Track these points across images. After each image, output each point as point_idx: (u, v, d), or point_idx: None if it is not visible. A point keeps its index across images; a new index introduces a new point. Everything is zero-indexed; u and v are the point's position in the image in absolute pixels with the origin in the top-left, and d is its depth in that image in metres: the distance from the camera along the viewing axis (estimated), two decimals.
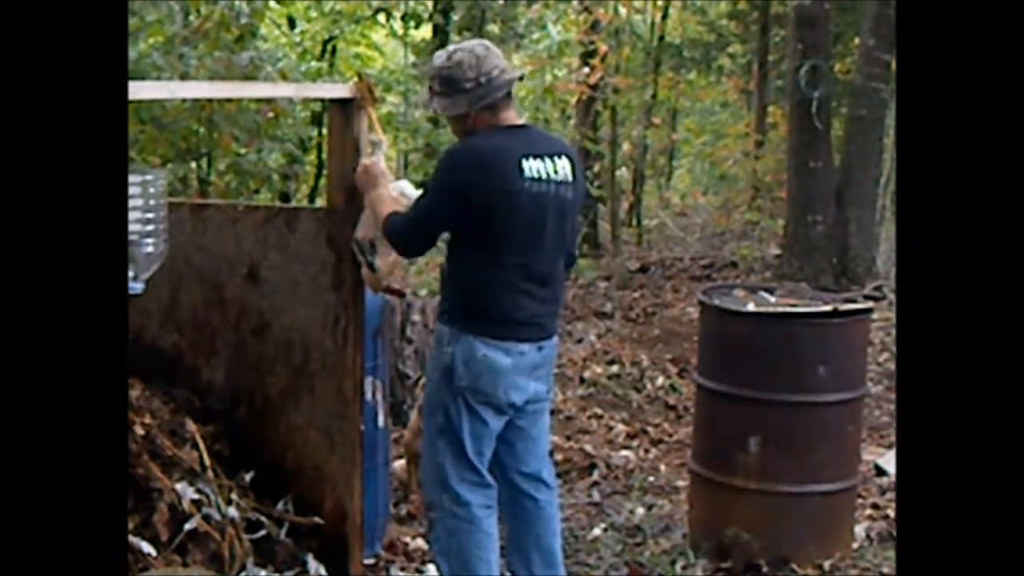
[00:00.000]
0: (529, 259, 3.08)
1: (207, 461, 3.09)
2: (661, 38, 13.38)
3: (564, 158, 3.14)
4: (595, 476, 4.87)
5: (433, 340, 3.21)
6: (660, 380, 6.47)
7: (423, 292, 7.46)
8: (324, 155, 8.44)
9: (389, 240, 3.08)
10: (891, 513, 4.24)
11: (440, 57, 3.12)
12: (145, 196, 2.57)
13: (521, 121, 3.20)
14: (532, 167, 3.03)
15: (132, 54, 6.26)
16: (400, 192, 3.19)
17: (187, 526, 2.87)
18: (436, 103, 3.11)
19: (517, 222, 3.02)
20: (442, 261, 3.27)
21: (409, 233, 3.05)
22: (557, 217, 3.11)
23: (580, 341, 7.44)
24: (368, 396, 3.56)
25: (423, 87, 3.28)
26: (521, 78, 3.17)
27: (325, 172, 7.39)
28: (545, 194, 3.06)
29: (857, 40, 10.02)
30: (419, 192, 3.15)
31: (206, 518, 2.93)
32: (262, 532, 3.11)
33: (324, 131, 8.19)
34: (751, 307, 3.92)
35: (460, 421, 3.09)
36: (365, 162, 3.18)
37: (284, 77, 6.83)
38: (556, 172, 3.09)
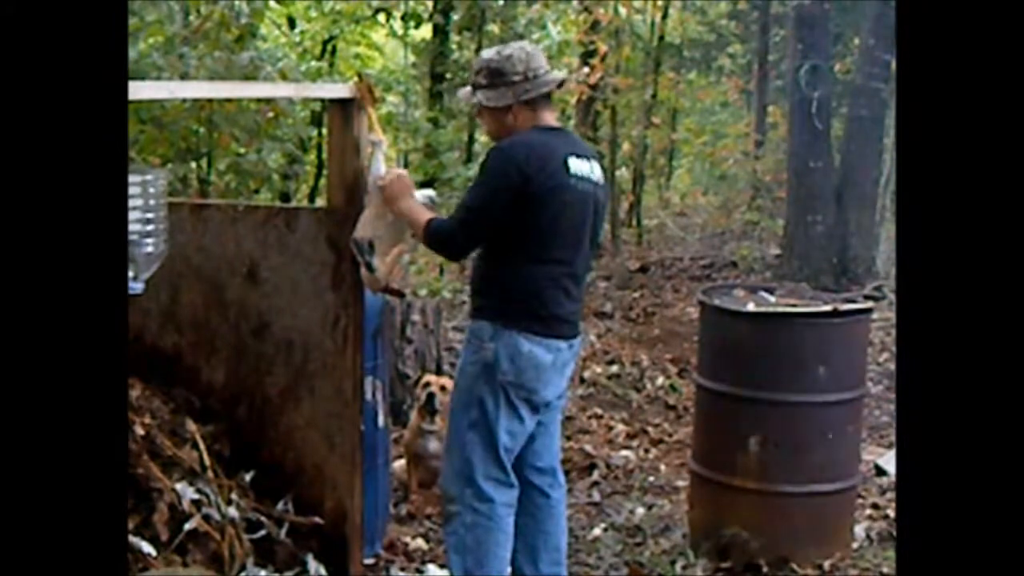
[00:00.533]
0: (570, 257, 3.14)
1: (207, 461, 3.09)
2: (661, 38, 13.37)
3: (596, 161, 3.24)
4: (595, 476, 4.87)
5: (467, 337, 3.22)
6: (660, 380, 6.47)
7: (423, 292, 7.46)
8: (324, 155, 8.44)
9: (433, 246, 3.15)
10: (891, 513, 4.24)
11: (489, 52, 3.22)
12: (145, 196, 2.57)
13: (558, 124, 3.28)
14: (576, 166, 3.11)
15: (132, 54, 6.26)
16: (428, 199, 3.22)
17: (187, 526, 2.87)
18: (481, 95, 3.17)
19: (564, 218, 3.08)
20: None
21: (461, 235, 3.08)
22: (593, 217, 3.20)
23: None
24: (368, 396, 3.56)
25: (466, 83, 3.29)
26: (563, 82, 3.27)
27: (325, 172, 7.39)
28: (589, 193, 3.15)
29: (857, 40, 10.02)
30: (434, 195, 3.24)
31: (206, 518, 2.93)
32: (262, 532, 3.11)
33: (324, 131, 8.19)
34: (751, 307, 3.92)
35: (497, 416, 3.11)
36: (398, 171, 3.21)
37: (284, 77, 6.83)
38: (594, 173, 3.19)
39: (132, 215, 2.50)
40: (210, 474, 3.07)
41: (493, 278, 3.15)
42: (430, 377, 4.58)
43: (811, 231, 9.06)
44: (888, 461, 4.79)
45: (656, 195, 16.42)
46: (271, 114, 7.27)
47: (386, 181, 3.15)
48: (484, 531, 3.15)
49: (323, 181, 8.62)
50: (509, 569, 3.24)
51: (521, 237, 3.07)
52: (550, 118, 3.22)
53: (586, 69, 10.78)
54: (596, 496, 4.65)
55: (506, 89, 3.13)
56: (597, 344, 7.31)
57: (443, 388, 4.38)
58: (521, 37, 12.44)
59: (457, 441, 3.18)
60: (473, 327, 3.18)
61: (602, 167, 3.28)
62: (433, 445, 4.38)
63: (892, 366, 6.51)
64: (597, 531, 4.22)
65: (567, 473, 4.88)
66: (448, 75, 10.80)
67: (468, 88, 3.24)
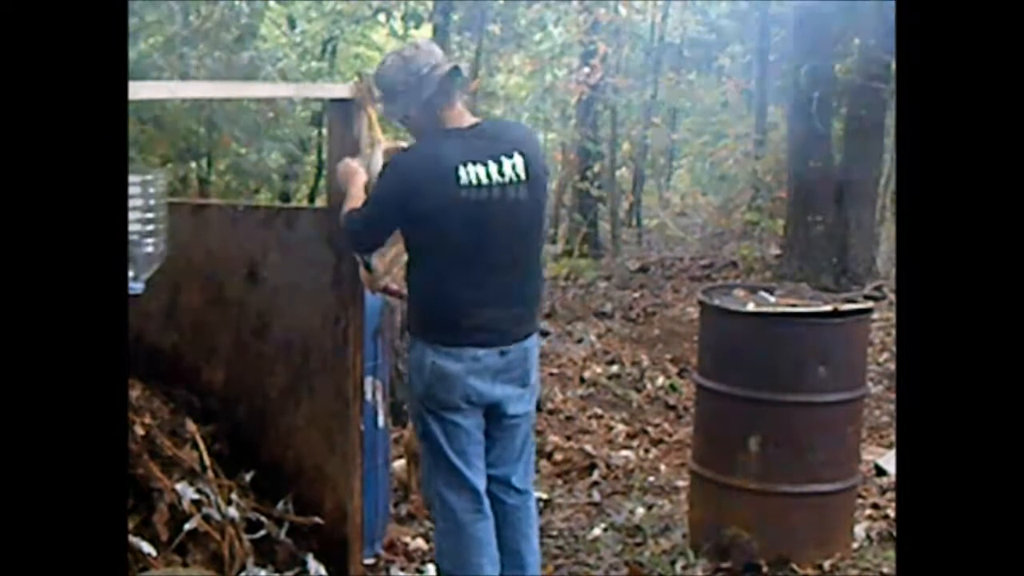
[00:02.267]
0: (476, 266, 3.03)
1: (207, 461, 3.09)
2: (661, 38, 13.38)
3: (516, 155, 3.04)
4: (595, 476, 4.87)
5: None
6: (660, 380, 6.47)
7: None
8: (324, 155, 8.44)
9: (345, 231, 3.12)
10: (891, 513, 4.24)
11: (380, 63, 3.17)
12: (145, 196, 2.57)
13: (469, 121, 3.11)
14: (470, 173, 2.97)
15: (132, 54, 6.27)
16: None
17: (187, 526, 2.87)
18: (384, 110, 3.16)
19: (456, 232, 2.98)
20: None
21: (359, 227, 3.08)
22: (508, 219, 3.04)
23: (580, 341, 7.44)
24: (368, 396, 3.56)
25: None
26: (455, 68, 3.08)
27: (325, 172, 7.39)
28: (487, 200, 2.99)
29: (857, 40, 10.02)
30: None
31: (206, 518, 2.93)
32: (262, 532, 3.12)
33: (324, 131, 8.19)
34: (751, 307, 3.92)
35: (431, 426, 3.11)
36: (341, 163, 3.19)
37: (284, 77, 6.83)
38: (502, 174, 3.01)
39: (132, 215, 2.50)
40: (210, 474, 3.07)
41: (409, 290, 3.14)
42: None
43: (811, 231, 9.06)
44: (888, 461, 4.79)
45: (656, 195, 16.42)
46: (271, 114, 7.28)
47: (345, 167, 3.16)
48: (454, 537, 3.17)
49: (323, 181, 8.62)
50: (494, 569, 3.21)
51: (417, 252, 3.06)
52: (455, 116, 3.07)
53: (586, 69, 10.78)
54: (596, 496, 4.65)
55: (398, 99, 3.06)
56: (597, 344, 7.32)
57: None
58: (521, 37, 12.47)
59: (422, 453, 3.24)
60: (410, 345, 3.19)
61: (526, 156, 3.05)
62: None
63: (892, 366, 6.51)
64: (597, 531, 4.22)
65: (567, 473, 4.90)
66: None
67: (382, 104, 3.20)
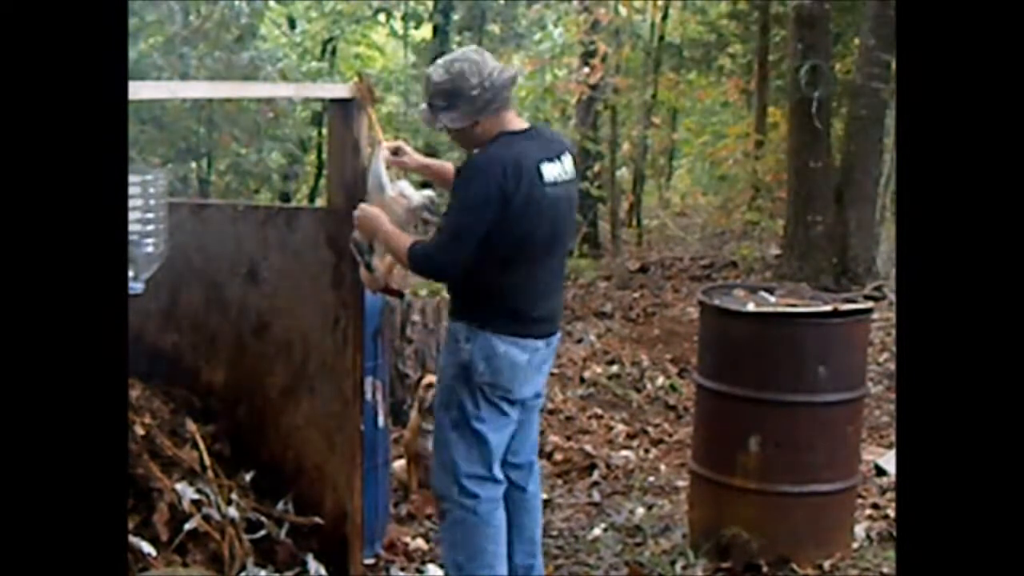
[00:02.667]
0: (546, 259, 3.15)
1: (207, 461, 3.09)
2: (661, 38, 13.37)
3: (567, 155, 3.17)
4: (595, 476, 4.87)
5: (446, 337, 3.24)
6: (660, 380, 6.46)
7: (423, 292, 7.46)
8: (324, 155, 8.44)
9: (419, 271, 3.13)
10: (891, 513, 4.24)
11: (438, 71, 3.07)
12: (145, 196, 2.57)
13: (525, 124, 3.17)
14: (550, 172, 3.07)
15: (132, 54, 6.27)
16: (400, 192, 3.19)
17: (187, 526, 2.87)
18: (444, 118, 3.06)
19: (540, 227, 3.07)
20: None
21: (443, 260, 3.04)
22: (568, 214, 3.21)
23: (580, 341, 7.43)
24: (368, 396, 3.56)
25: (422, 105, 3.20)
26: (515, 74, 3.13)
27: (325, 172, 7.39)
28: (563, 197, 3.12)
29: (857, 40, 10.01)
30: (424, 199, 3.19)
31: (206, 518, 2.93)
32: (262, 532, 3.12)
33: (324, 131, 8.19)
34: (751, 307, 3.91)
35: (478, 415, 3.13)
36: (357, 211, 3.15)
37: (284, 77, 6.84)
38: (565, 172, 3.14)
39: (132, 215, 2.50)
40: (210, 474, 3.07)
41: (469, 280, 3.10)
42: (431, 377, 4.57)
43: (811, 231, 9.06)
44: (888, 461, 4.79)
45: (656, 195, 16.42)
46: (271, 114, 7.28)
47: (356, 219, 3.14)
48: (472, 527, 3.18)
49: (323, 181, 8.62)
50: (504, 563, 3.25)
51: (497, 246, 3.03)
52: (515, 120, 3.13)
53: (586, 69, 10.78)
54: (596, 496, 4.65)
55: (467, 106, 3.02)
56: (597, 344, 7.31)
57: None
58: (521, 37, 12.48)
59: (441, 441, 3.20)
60: (451, 327, 3.19)
61: (572, 155, 3.19)
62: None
63: (892, 366, 6.51)
64: (597, 531, 4.22)
65: (567, 473, 4.90)
66: None
67: (425, 107, 3.13)
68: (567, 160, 3.15)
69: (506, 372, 3.11)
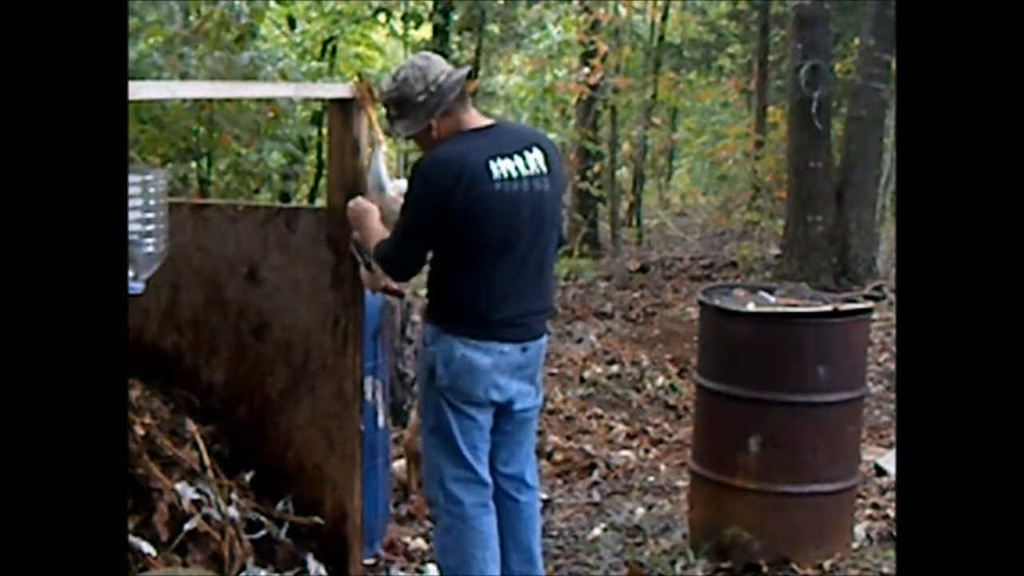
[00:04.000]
0: (507, 260, 3.05)
1: (207, 461, 3.09)
2: (661, 38, 13.38)
3: (536, 150, 3.09)
4: (595, 476, 4.87)
5: (419, 339, 3.23)
6: (660, 380, 6.47)
7: (423, 292, 7.46)
8: (324, 155, 8.43)
9: (382, 268, 3.10)
10: (891, 513, 4.24)
11: (386, 83, 3.10)
12: (145, 196, 2.57)
13: (486, 121, 3.15)
14: (501, 167, 3.00)
15: (132, 54, 6.27)
16: (400, 192, 3.19)
17: (187, 526, 2.87)
18: (398, 127, 3.09)
19: (491, 225, 3.00)
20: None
21: (396, 259, 3.06)
22: (534, 212, 3.07)
23: (580, 341, 7.44)
24: (368, 396, 3.56)
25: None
26: (470, 74, 3.13)
27: (325, 172, 7.38)
28: (518, 193, 3.02)
29: (857, 40, 10.02)
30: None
31: (206, 518, 2.93)
32: (262, 532, 3.12)
33: (324, 131, 8.19)
34: (751, 307, 3.91)
35: (448, 419, 3.10)
36: (350, 204, 3.17)
37: (284, 77, 6.83)
38: (528, 167, 3.05)
39: (132, 215, 2.50)
40: (210, 474, 3.07)
41: (433, 282, 3.12)
42: None
43: (811, 231, 9.06)
44: (888, 461, 4.79)
45: (656, 195, 16.43)
46: (271, 114, 7.28)
47: (351, 208, 3.15)
48: (459, 532, 3.16)
49: (323, 181, 8.62)
50: (497, 567, 3.22)
51: (450, 247, 3.03)
52: (472, 118, 3.10)
53: (586, 69, 10.79)
54: (596, 496, 4.65)
55: (417, 111, 3.03)
56: (597, 344, 7.31)
57: None
58: (521, 37, 12.48)
59: (426, 445, 3.19)
60: (422, 330, 3.19)
61: (546, 150, 3.12)
62: None
63: (892, 366, 6.51)
64: (597, 531, 4.22)
65: (567, 473, 4.90)
66: None
67: (387, 124, 3.16)
68: (534, 155, 3.07)
69: (464, 376, 3.05)
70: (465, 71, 3.10)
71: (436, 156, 3.02)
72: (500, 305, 3.06)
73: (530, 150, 3.07)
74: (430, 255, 3.11)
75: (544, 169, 3.08)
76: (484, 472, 3.17)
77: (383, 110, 3.15)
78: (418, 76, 3.03)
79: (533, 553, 3.35)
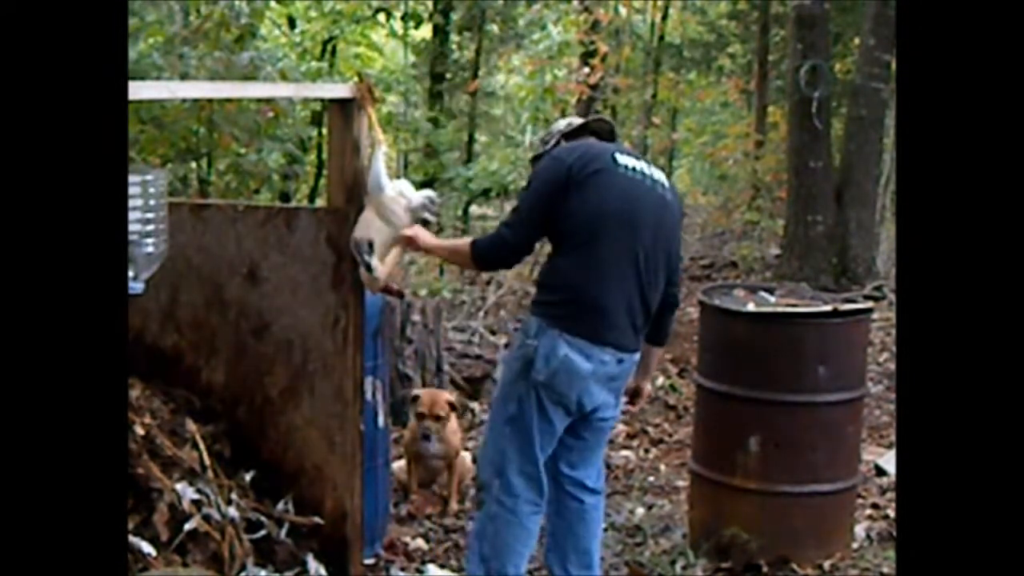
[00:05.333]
0: (623, 259, 3.09)
1: (207, 461, 3.09)
2: (661, 38, 13.39)
3: (656, 169, 3.28)
4: None
5: (520, 329, 3.27)
6: (660, 380, 6.47)
7: (423, 292, 7.46)
8: (324, 155, 8.43)
9: (486, 258, 3.20)
10: (891, 513, 4.24)
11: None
12: (145, 196, 2.57)
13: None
14: (626, 161, 3.17)
15: (132, 54, 6.27)
16: (399, 192, 3.19)
17: (187, 526, 2.87)
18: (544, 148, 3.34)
19: (609, 202, 3.08)
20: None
21: (510, 235, 3.12)
22: (656, 213, 3.17)
23: None
24: (368, 396, 3.56)
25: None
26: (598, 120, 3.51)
27: (325, 172, 7.39)
28: (640, 182, 3.16)
29: (857, 40, 10.02)
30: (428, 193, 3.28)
31: (206, 518, 2.92)
32: (262, 532, 3.11)
33: (324, 131, 8.19)
34: (751, 307, 3.92)
35: (532, 415, 3.11)
36: (415, 229, 3.22)
37: (284, 77, 6.83)
38: (652, 174, 3.22)
39: (132, 215, 2.50)
40: (210, 474, 3.07)
41: (549, 276, 3.17)
42: (424, 401, 4.46)
43: (811, 231, 9.06)
44: (888, 461, 4.79)
45: None
46: (271, 114, 7.27)
47: (411, 236, 3.21)
48: (504, 524, 3.19)
49: (323, 181, 8.62)
50: (524, 566, 3.25)
51: (567, 225, 3.08)
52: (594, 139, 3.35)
53: (586, 69, 10.79)
54: None
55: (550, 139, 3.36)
56: None
57: (438, 417, 4.32)
58: (521, 37, 12.48)
59: (496, 432, 3.21)
60: (525, 321, 3.23)
61: (670, 182, 3.33)
62: (433, 445, 4.38)
63: (892, 366, 6.51)
64: None
65: None
66: (448, 75, 10.80)
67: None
68: (659, 172, 3.27)
69: (561, 376, 3.07)
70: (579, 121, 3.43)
71: (566, 147, 3.26)
72: (611, 311, 3.09)
73: (652, 167, 3.26)
74: (548, 248, 3.20)
75: (667, 185, 3.27)
76: (544, 474, 3.20)
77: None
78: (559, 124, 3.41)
79: (592, 557, 3.38)
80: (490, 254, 3.16)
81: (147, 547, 2.74)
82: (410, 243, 3.24)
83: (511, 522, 3.18)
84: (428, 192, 3.29)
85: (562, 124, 3.43)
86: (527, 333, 3.13)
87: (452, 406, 4.41)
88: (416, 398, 4.45)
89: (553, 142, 3.34)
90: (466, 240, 3.24)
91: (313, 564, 3.19)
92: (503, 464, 3.16)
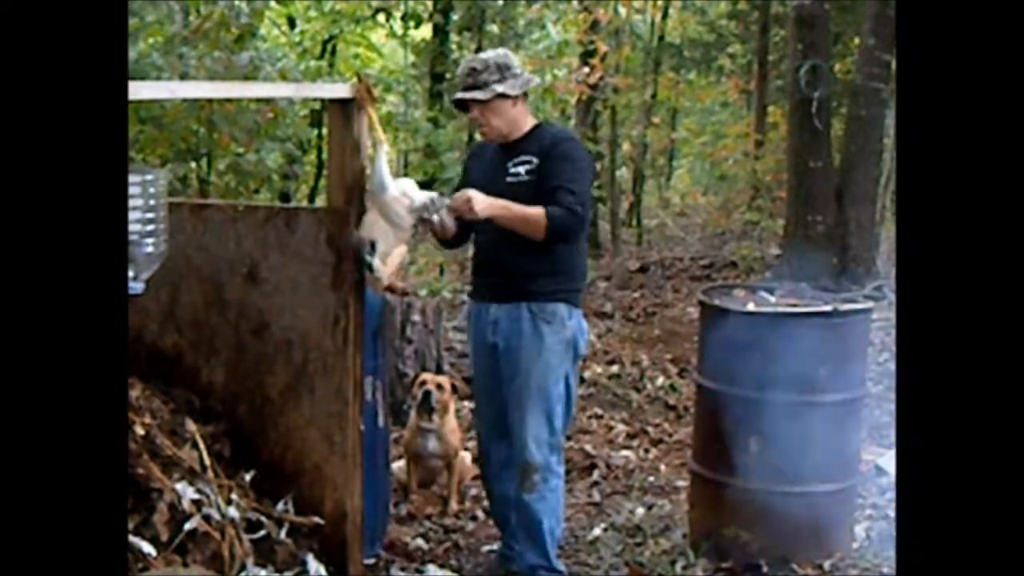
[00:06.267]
0: None
1: (207, 461, 3.09)
2: (661, 38, 13.39)
3: None
4: (595, 476, 4.87)
5: (546, 317, 3.49)
6: (660, 380, 6.47)
7: (423, 292, 7.46)
8: (324, 155, 8.44)
9: (558, 231, 3.37)
10: (891, 513, 4.24)
11: (486, 53, 3.58)
12: (145, 196, 2.57)
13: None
14: None
15: (132, 54, 6.27)
16: (402, 191, 3.19)
17: (187, 526, 2.87)
18: (499, 87, 3.44)
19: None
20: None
21: (584, 217, 3.42)
22: None
23: None
24: (368, 396, 3.56)
25: (465, 84, 3.55)
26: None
27: (325, 172, 7.39)
28: None
29: (857, 40, 10.02)
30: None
31: (206, 518, 2.92)
32: (262, 532, 3.11)
33: (324, 131, 8.19)
34: (751, 307, 3.91)
35: (574, 388, 3.60)
36: (470, 196, 3.33)
37: (284, 77, 6.83)
38: None
39: (132, 215, 2.50)
40: (210, 474, 3.07)
41: (568, 261, 3.50)
42: (426, 375, 4.57)
43: (811, 231, 9.05)
44: (888, 461, 4.78)
45: (656, 195, 16.43)
46: (271, 114, 7.28)
47: (473, 202, 3.32)
48: (561, 491, 3.65)
49: (323, 181, 8.62)
50: None
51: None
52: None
53: (586, 69, 10.78)
54: (596, 496, 4.65)
55: (514, 80, 3.47)
56: (597, 344, 7.31)
57: (439, 386, 4.38)
58: (521, 37, 12.47)
59: (546, 416, 3.51)
60: (550, 308, 3.48)
61: None
62: (432, 444, 4.38)
63: (892, 366, 6.50)
64: (597, 531, 4.22)
65: (568, 473, 4.89)
66: (448, 75, 10.79)
67: (475, 91, 3.46)
68: None
69: (584, 345, 3.62)
70: (537, 80, 3.87)
71: (574, 132, 3.73)
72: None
73: None
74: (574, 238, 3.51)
75: None
76: None
77: (484, 78, 3.46)
78: (513, 57, 3.55)
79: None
80: (566, 227, 3.37)
81: (147, 547, 2.74)
82: (467, 205, 3.31)
83: (562, 487, 3.64)
84: (431, 192, 3.30)
85: (515, 63, 3.53)
86: (562, 320, 3.49)
87: (454, 388, 4.48)
88: (417, 377, 4.60)
89: (521, 86, 3.50)
90: (536, 209, 3.35)
91: (313, 564, 3.19)
92: (556, 439, 3.54)
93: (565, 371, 3.53)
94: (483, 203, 3.32)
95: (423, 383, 4.43)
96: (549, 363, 3.49)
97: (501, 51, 3.58)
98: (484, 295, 3.61)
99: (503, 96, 3.45)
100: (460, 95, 3.51)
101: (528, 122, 3.55)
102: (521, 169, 3.48)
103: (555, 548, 3.66)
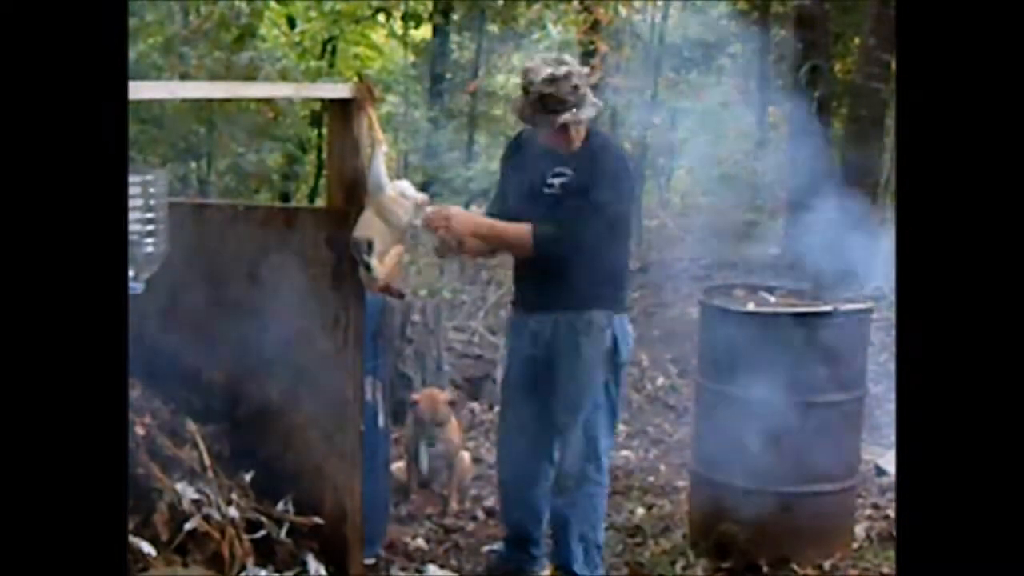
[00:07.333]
0: None
1: (207, 461, 3.09)
2: (661, 38, 13.37)
3: None
4: None
5: (583, 327, 3.42)
6: (660, 380, 6.46)
7: (423, 292, 7.46)
8: (324, 155, 8.42)
9: (547, 253, 3.34)
10: (891, 513, 4.24)
11: (564, 60, 3.46)
12: (145, 196, 2.57)
13: None
14: None
15: (132, 54, 6.27)
16: (400, 193, 3.19)
17: (187, 526, 2.87)
18: (576, 113, 3.34)
19: None
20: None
21: (581, 231, 3.36)
22: None
23: None
24: (368, 396, 3.56)
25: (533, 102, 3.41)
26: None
27: (325, 172, 7.39)
28: None
29: (857, 40, 10.01)
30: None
31: (206, 518, 2.92)
32: (262, 532, 3.11)
33: (324, 131, 8.19)
34: (751, 307, 3.91)
35: (616, 396, 3.51)
36: (447, 212, 3.32)
37: (284, 77, 6.83)
38: None
39: (132, 215, 2.50)
40: (210, 474, 3.07)
41: (603, 266, 3.42)
42: (418, 396, 4.49)
43: (811, 231, 9.04)
44: (888, 461, 4.79)
45: (656, 195, 16.40)
46: (271, 114, 7.28)
47: (451, 220, 3.27)
48: (600, 498, 3.59)
49: (323, 181, 8.62)
50: None
51: (624, 227, 3.52)
52: None
53: (586, 69, 10.76)
54: None
55: (586, 108, 3.42)
56: None
57: (436, 420, 4.35)
58: (521, 37, 12.47)
59: (583, 426, 3.46)
60: (586, 317, 3.42)
61: None
62: (434, 449, 4.38)
63: (892, 366, 6.49)
64: None
65: None
66: (448, 75, 10.79)
67: (577, 110, 3.35)
68: None
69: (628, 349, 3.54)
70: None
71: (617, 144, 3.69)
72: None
73: None
74: (594, 238, 3.38)
75: None
76: None
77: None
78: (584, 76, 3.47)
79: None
80: (555, 243, 3.32)
81: (147, 547, 2.74)
82: (444, 222, 3.27)
83: (602, 494, 3.58)
84: (423, 196, 3.28)
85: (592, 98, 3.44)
86: (600, 327, 3.42)
87: (452, 404, 4.45)
88: (415, 404, 4.45)
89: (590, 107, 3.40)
90: (521, 227, 3.30)
91: (313, 564, 3.19)
92: (595, 449, 3.49)
93: (603, 379, 3.46)
94: (463, 224, 3.26)
95: (415, 403, 4.42)
96: (586, 374, 3.43)
97: (575, 68, 3.46)
98: (523, 304, 3.59)
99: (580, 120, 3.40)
100: (567, 118, 3.34)
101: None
102: (559, 181, 3.43)
103: (587, 555, 3.55)
